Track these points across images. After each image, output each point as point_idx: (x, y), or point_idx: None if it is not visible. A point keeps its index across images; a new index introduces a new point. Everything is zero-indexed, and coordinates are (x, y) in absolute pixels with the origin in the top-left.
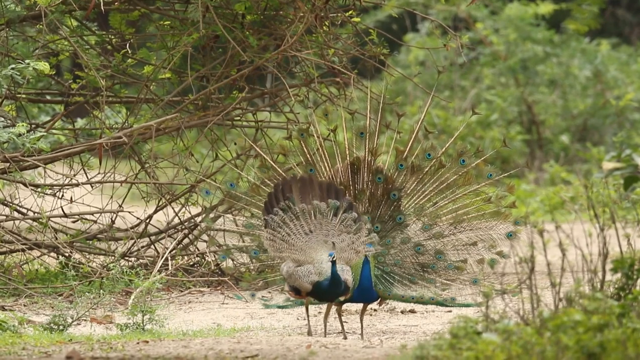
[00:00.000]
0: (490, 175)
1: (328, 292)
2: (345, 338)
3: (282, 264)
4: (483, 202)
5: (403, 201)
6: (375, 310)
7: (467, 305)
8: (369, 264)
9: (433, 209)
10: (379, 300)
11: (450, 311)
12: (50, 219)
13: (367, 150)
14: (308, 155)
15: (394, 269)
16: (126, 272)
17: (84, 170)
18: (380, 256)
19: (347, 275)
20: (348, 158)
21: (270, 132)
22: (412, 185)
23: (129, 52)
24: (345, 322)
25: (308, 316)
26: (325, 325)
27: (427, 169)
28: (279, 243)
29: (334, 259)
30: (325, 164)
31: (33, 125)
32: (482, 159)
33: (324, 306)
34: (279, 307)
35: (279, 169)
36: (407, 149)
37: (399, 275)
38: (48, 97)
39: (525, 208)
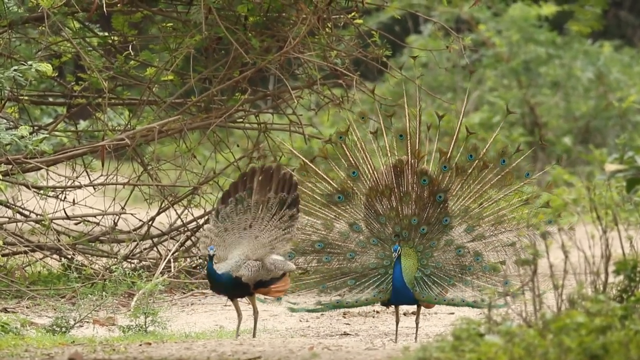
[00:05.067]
0: (528, 174)
1: (214, 286)
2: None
3: None
4: (521, 202)
5: (450, 203)
6: (377, 312)
7: (498, 307)
8: (399, 265)
9: (478, 210)
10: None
11: (452, 313)
12: (53, 221)
13: (410, 152)
14: (351, 159)
15: (434, 271)
16: (129, 274)
17: (86, 172)
18: (424, 259)
19: (245, 270)
20: (390, 160)
21: (273, 134)
22: (457, 186)
23: (132, 53)
24: (347, 324)
25: (238, 311)
26: (239, 321)
27: (470, 170)
28: (211, 239)
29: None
30: (368, 167)
31: (35, 127)
32: (480, 159)
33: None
34: (309, 310)
35: (321, 172)
36: (450, 150)
37: (438, 278)
38: (50, 99)
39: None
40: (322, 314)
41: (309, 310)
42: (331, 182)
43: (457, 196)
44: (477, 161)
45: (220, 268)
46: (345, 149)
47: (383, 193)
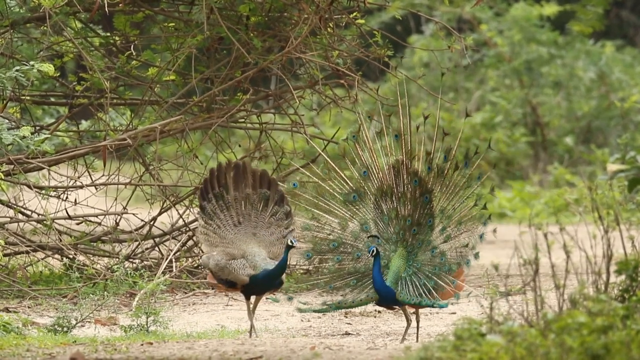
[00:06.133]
0: (480, 177)
1: (263, 285)
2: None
3: (204, 256)
4: (473, 204)
5: (433, 204)
6: (379, 312)
7: (443, 306)
8: (377, 266)
9: (451, 211)
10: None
11: (454, 313)
12: (55, 221)
13: (404, 152)
14: (362, 158)
15: (415, 272)
16: (130, 274)
17: (88, 172)
18: (411, 259)
19: None
20: (389, 160)
21: (275, 134)
22: (438, 188)
23: (134, 53)
24: (349, 323)
25: (250, 315)
26: (251, 321)
27: (446, 172)
28: (212, 237)
29: (293, 244)
30: (376, 166)
31: (37, 127)
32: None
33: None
34: (315, 311)
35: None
36: (432, 151)
37: (417, 279)
38: (52, 99)
39: (530, 210)
40: (323, 314)
41: (315, 311)
42: (348, 181)
43: (438, 197)
44: (449, 162)
45: (259, 265)
46: (358, 148)
47: (386, 193)
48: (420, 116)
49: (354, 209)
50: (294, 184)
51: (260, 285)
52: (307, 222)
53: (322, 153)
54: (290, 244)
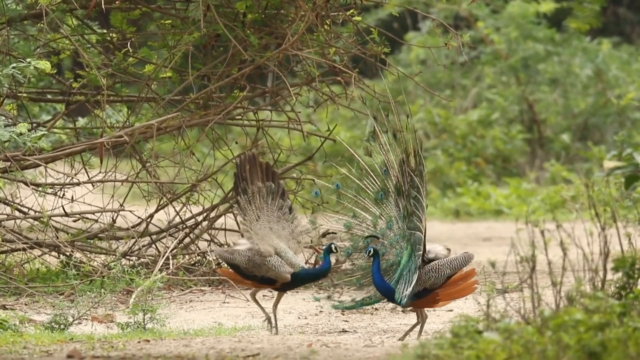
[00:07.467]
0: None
1: (301, 283)
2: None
3: (221, 251)
4: None
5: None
6: (376, 309)
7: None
8: (375, 265)
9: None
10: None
11: (451, 310)
12: (51, 218)
13: (401, 149)
14: (384, 156)
15: (409, 270)
16: (127, 271)
17: (85, 169)
18: (410, 257)
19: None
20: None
21: (271, 131)
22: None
23: (130, 50)
24: (345, 321)
25: (261, 307)
26: (274, 315)
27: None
28: (251, 233)
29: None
30: (390, 165)
31: (34, 124)
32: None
33: (321, 305)
34: (346, 308)
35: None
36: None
37: (407, 276)
38: (49, 96)
39: (526, 207)
40: (320, 311)
41: (346, 308)
42: (376, 179)
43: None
44: (414, 160)
45: (294, 262)
46: (376, 148)
47: (399, 191)
48: (417, 113)
49: (382, 207)
50: (337, 185)
51: (299, 283)
52: (349, 220)
53: (354, 152)
54: (334, 250)
